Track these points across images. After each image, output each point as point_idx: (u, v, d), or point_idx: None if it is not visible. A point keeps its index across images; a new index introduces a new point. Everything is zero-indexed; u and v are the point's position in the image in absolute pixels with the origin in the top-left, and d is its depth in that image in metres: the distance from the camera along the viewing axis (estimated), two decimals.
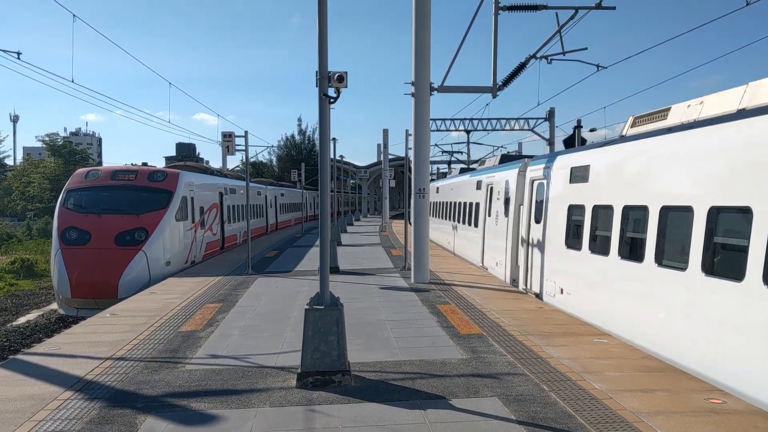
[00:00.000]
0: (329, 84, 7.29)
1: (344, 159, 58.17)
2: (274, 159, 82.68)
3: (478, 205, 19.48)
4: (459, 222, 22.94)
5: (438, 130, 38.90)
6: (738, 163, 6.97)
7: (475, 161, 39.43)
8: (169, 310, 11.82)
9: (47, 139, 61.14)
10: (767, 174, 6.46)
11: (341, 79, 7.26)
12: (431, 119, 19.53)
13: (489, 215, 17.83)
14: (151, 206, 18.13)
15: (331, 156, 30.98)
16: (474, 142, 44.58)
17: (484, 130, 38.22)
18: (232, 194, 26.91)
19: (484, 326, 10.12)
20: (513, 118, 37.36)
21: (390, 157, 53.55)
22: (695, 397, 6.50)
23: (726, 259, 7.18)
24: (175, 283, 15.70)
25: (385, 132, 53.27)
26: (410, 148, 15.96)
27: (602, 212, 10.28)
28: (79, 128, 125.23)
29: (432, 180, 29.62)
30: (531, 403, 6.45)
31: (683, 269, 7.63)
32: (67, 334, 10.19)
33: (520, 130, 37.50)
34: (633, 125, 10.66)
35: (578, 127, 17.66)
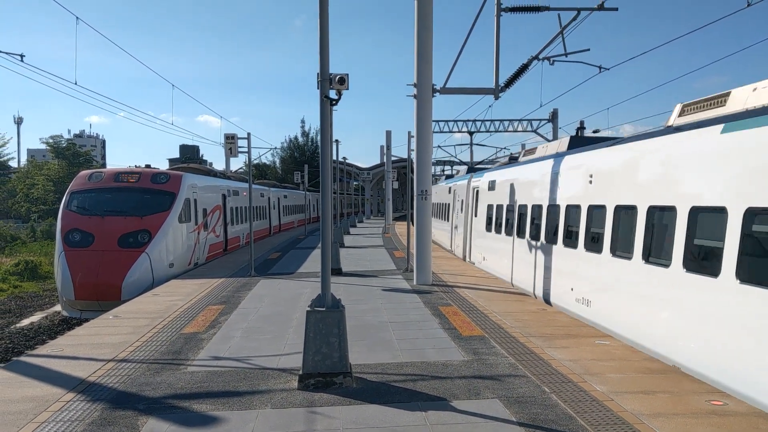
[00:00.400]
0: (330, 86, 7.32)
1: (347, 161, 58.12)
2: (278, 161, 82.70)
3: (449, 205, 26.09)
4: (440, 218, 29.35)
5: (441, 132, 38.88)
6: (544, 185, 13.05)
7: (478, 163, 39.55)
8: (172, 312, 11.85)
9: (51, 141, 61.12)
10: (554, 189, 12.46)
11: (342, 81, 7.30)
12: (434, 121, 19.57)
13: (454, 212, 24.49)
14: (154, 208, 18.17)
15: (334, 158, 31.03)
16: (477, 144, 44.53)
17: (487, 131, 38.17)
18: (235, 196, 26.95)
19: (486, 328, 10.12)
20: (516, 120, 37.34)
21: (393, 158, 53.51)
22: (696, 398, 6.50)
23: (536, 231, 13.46)
24: (178, 285, 15.75)
25: (388, 134, 53.24)
26: (413, 150, 15.98)
27: (500, 208, 16.74)
28: (83, 130, 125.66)
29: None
30: (532, 405, 6.45)
31: (534, 239, 13.46)
32: (71, 336, 10.24)
33: (523, 131, 37.54)
34: (524, 155, 17.35)
35: (581, 128, 17.60)
